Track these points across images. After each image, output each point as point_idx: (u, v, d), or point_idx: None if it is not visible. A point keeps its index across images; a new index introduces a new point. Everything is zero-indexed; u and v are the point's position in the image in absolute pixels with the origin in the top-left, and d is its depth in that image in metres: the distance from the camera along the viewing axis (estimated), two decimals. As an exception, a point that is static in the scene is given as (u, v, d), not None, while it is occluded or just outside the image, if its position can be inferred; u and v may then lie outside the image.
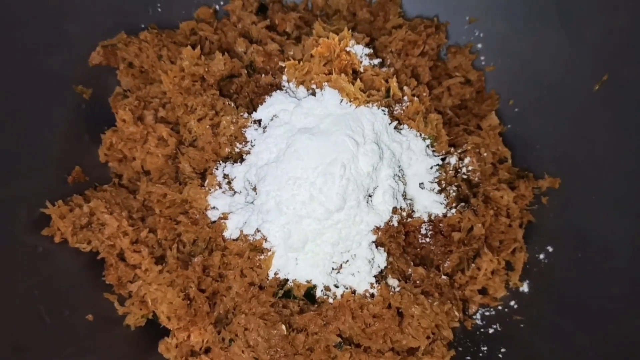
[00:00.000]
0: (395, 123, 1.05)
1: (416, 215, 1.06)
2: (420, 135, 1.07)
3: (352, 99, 1.04)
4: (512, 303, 1.10)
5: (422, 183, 1.07)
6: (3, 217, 1.00)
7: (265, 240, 1.02)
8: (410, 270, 1.03)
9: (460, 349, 1.07)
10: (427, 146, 1.08)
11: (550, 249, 1.11)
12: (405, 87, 1.10)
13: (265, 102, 1.09)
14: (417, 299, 1.01)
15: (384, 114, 1.04)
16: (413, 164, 1.06)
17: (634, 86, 1.02)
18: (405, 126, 1.07)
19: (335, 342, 0.99)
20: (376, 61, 1.12)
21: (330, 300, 1.02)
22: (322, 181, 0.97)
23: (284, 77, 1.12)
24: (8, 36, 1.05)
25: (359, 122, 1.00)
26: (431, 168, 1.07)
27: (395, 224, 1.03)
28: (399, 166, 1.05)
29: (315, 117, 1.03)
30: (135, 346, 1.05)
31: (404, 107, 1.08)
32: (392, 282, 1.03)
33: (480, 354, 1.05)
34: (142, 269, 1.05)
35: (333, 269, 1.02)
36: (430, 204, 1.06)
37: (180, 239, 1.08)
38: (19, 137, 1.05)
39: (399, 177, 1.04)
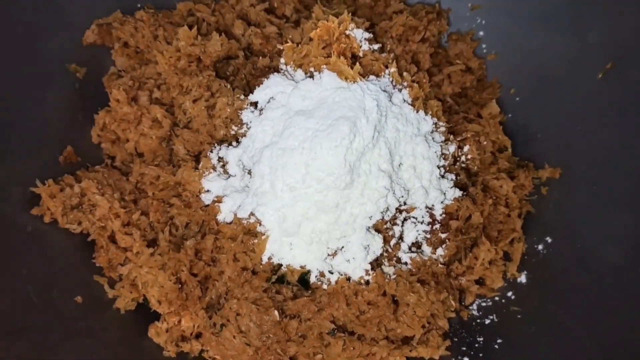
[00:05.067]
0: (397, 106, 1.03)
1: (413, 202, 1.04)
2: (424, 118, 1.05)
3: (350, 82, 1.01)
4: (510, 294, 1.09)
5: (422, 170, 1.05)
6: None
7: (260, 224, 1.00)
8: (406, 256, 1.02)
9: (456, 339, 1.05)
10: (430, 131, 1.06)
11: (549, 239, 1.09)
12: (405, 73, 1.08)
13: (262, 84, 1.07)
14: (412, 287, 1.00)
15: (387, 95, 1.02)
16: (413, 148, 1.04)
17: (637, 77, 1.01)
18: (408, 109, 1.04)
19: (328, 329, 0.98)
20: (376, 46, 1.09)
21: (325, 287, 1.00)
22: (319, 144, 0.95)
23: (282, 60, 1.10)
24: (1, 15, 1.02)
25: (358, 104, 0.98)
26: (431, 154, 1.05)
27: (393, 210, 1.01)
28: (394, 149, 1.02)
29: (313, 100, 1.01)
30: (125, 330, 1.03)
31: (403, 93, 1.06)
32: (388, 269, 1.01)
33: (476, 345, 1.04)
34: (133, 251, 1.02)
35: (328, 254, 1.00)
36: (429, 191, 1.04)
37: (172, 222, 1.06)
38: (11, 116, 1.03)
39: (398, 162, 1.02)
